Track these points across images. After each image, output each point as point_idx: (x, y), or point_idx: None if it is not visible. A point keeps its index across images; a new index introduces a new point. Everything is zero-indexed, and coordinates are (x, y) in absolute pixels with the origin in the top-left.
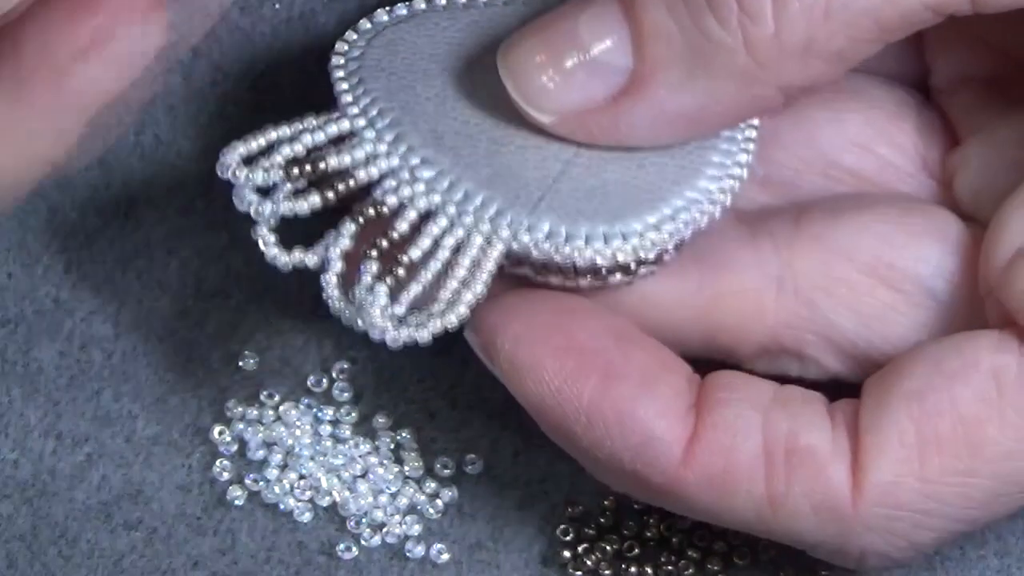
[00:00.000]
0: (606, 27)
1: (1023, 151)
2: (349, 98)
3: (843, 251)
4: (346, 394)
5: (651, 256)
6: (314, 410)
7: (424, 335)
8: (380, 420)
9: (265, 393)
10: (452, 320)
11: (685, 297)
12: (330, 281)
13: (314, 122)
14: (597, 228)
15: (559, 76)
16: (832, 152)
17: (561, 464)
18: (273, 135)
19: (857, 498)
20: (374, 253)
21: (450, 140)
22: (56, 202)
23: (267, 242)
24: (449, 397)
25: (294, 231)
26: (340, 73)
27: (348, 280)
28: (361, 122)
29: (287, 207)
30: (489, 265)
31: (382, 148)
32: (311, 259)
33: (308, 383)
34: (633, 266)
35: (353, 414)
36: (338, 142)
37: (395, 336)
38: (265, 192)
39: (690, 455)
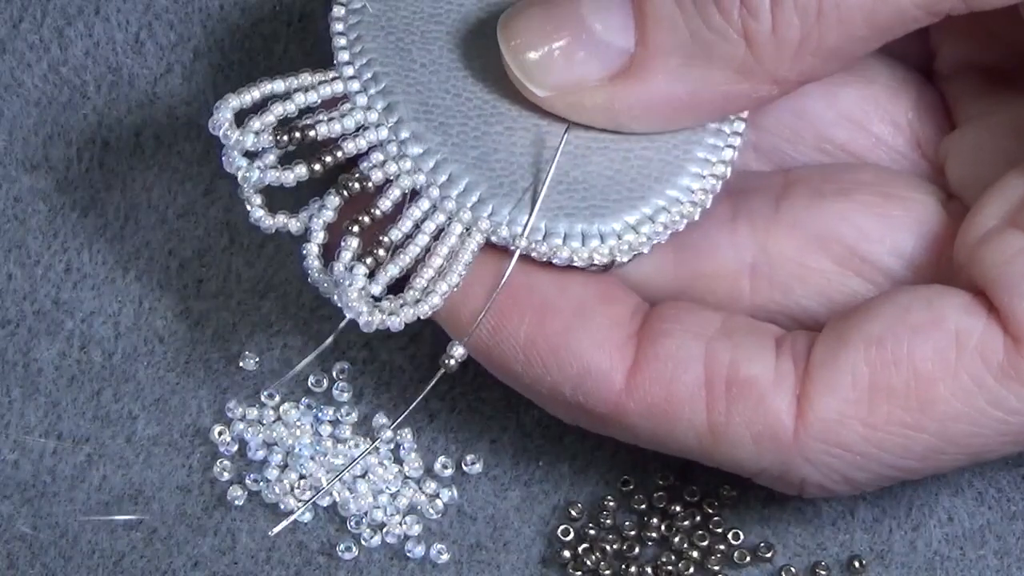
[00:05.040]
0: (610, 8)
1: (1014, 140)
2: (345, 56)
3: (819, 240)
4: (346, 394)
5: (626, 260)
6: (314, 410)
7: (396, 323)
8: (380, 420)
9: (265, 393)
10: (425, 310)
11: (661, 276)
12: (311, 251)
13: (309, 79)
14: (576, 226)
15: (558, 51)
16: (822, 126)
17: (561, 464)
18: (268, 88)
19: (799, 429)
20: (355, 229)
21: (440, 115)
22: (56, 203)
23: (252, 203)
24: (449, 398)
25: (285, 191)
26: (339, 27)
27: (330, 251)
28: (355, 85)
29: (273, 176)
30: (466, 256)
31: (372, 117)
32: (294, 225)
33: (308, 383)
34: (608, 263)
35: (353, 414)
36: (330, 104)
37: (368, 321)
38: (254, 155)
39: (631, 385)
